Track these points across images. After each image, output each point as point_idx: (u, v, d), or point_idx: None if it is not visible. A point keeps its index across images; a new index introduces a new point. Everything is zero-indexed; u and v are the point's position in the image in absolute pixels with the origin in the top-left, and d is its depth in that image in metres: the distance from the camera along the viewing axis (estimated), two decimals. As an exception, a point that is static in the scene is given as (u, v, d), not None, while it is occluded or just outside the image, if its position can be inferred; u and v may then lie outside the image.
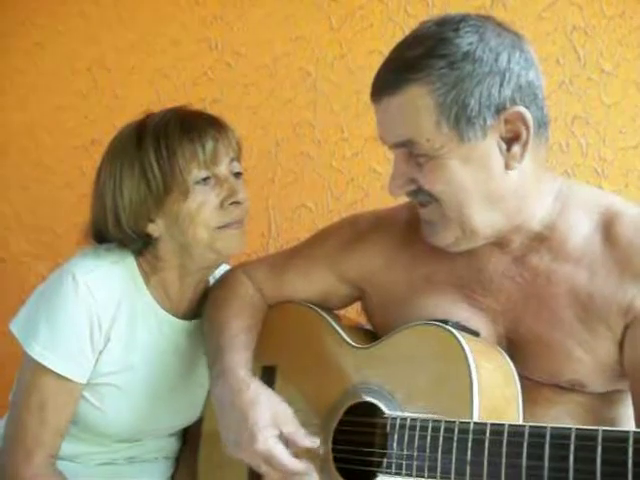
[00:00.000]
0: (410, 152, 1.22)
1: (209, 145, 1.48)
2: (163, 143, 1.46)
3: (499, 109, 1.18)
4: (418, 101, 1.18)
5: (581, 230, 1.26)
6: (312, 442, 1.29)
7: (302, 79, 2.07)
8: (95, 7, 2.39)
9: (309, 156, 2.06)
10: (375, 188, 1.94)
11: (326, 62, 2.03)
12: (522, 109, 1.19)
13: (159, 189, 1.46)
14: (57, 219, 2.39)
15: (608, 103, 1.75)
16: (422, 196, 1.26)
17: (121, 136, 1.53)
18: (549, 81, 1.76)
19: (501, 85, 1.17)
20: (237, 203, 1.50)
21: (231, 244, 1.51)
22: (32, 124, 2.50)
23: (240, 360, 1.39)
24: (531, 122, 1.19)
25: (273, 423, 1.26)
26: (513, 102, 1.18)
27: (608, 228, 1.25)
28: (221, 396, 1.35)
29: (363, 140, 1.98)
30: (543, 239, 1.28)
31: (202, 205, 1.47)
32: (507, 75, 1.18)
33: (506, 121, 1.19)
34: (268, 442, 1.24)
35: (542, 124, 1.23)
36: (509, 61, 1.18)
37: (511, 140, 1.20)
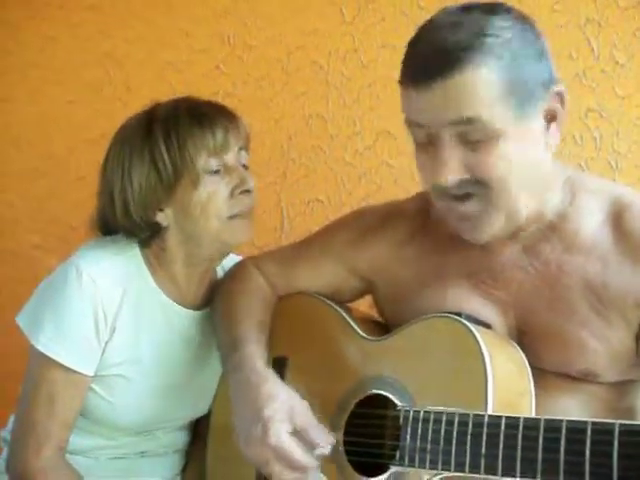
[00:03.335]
0: (464, 137, 1.18)
1: (219, 133, 1.48)
2: (173, 131, 1.46)
3: (546, 87, 1.19)
4: (482, 81, 1.14)
5: (592, 221, 1.26)
6: (329, 440, 1.27)
7: (314, 73, 2.06)
8: (106, 0, 2.39)
9: (321, 150, 2.06)
10: (388, 182, 1.93)
11: (338, 55, 2.03)
12: (562, 87, 1.20)
13: (169, 177, 1.46)
14: (69, 212, 2.39)
15: (622, 95, 1.74)
16: (471, 186, 1.21)
17: (129, 125, 1.53)
18: (562, 74, 1.74)
19: (545, 63, 1.19)
20: (247, 192, 1.50)
21: (238, 235, 1.52)
22: (44, 117, 2.50)
23: (256, 352, 1.38)
24: (567, 102, 1.20)
25: (288, 418, 1.23)
26: (555, 80, 1.20)
27: (619, 219, 1.25)
28: (237, 389, 1.33)
29: (375, 134, 1.98)
30: (554, 228, 1.28)
31: (213, 195, 1.47)
32: (545, 55, 1.20)
33: (550, 99, 1.20)
34: (280, 436, 1.20)
35: None
36: (542, 42, 1.20)
37: (550, 119, 1.21)
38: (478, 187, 1.20)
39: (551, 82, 1.20)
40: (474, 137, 1.17)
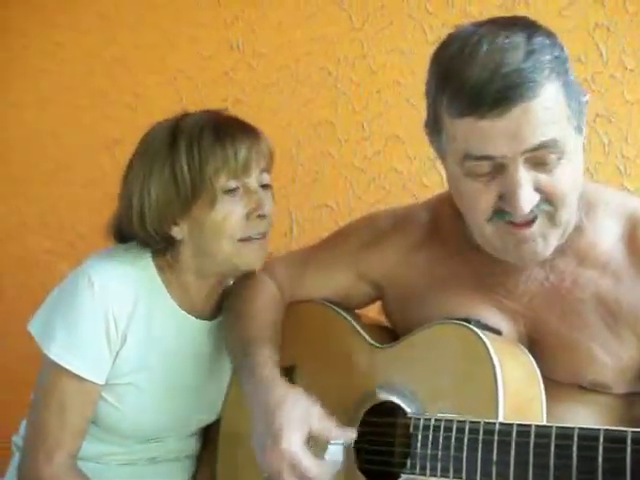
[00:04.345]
0: (537, 160, 1.14)
1: (242, 154, 1.47)
2: (196, 147, 1.45)
3: (583, 99, 1.20)
4: (553, 101, 1.13)
5: (608, 236, 1.26)
6: (349, 436, 1.27)
7: (323, 79, 2.07)
8: (115, 7, 2.40)
9: (330, 155, 2.06)
10: (396, 187, 1.93)
11: (347, 61, 2.03)
12: (588, 98, 1.21)
13: (187, 193, 1.46)
14: (78, 218, 2.41)
15: (631, 101, 1.74)
16: (543, 205, 1.17)
17: (155, 133, 1.52)
18: (571, 79, 1.76)
19: (574, 75, 1.19)
20: (263, 216, 1.49)
21: (251, 260, 1.51)
22: (53, 123, 2.52)
23: (269, 355, 1.37)
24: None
25: (300, 424, 1.22)
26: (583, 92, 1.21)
27: (633, 235, 1.25)
28: (250, 395, 1.33)
29: (384, 139, 1.98)
30: (570, 242, 1.27)
31: (228, 216, 1.46)
32: (571, 66, 1.19)
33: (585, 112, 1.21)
34: (292, 443, 1.19)
35: None
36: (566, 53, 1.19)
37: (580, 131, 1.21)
38: (545, 207, 1.18)
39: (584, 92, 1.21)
40: (548, 160, 1.14)
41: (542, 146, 1.13)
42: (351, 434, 1.28)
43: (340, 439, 1.26)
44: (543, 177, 1.15)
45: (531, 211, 1.16)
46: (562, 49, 1.17)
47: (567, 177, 1.16)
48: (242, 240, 1.48)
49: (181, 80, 2.28)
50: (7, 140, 2.62)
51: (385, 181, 1.98)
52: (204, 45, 2.25)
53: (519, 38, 1.13)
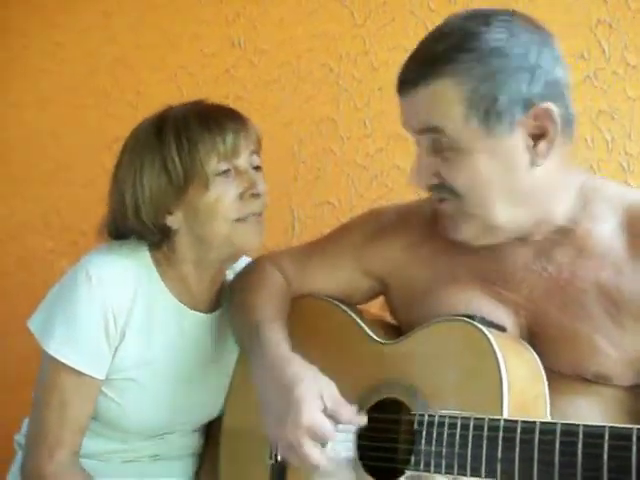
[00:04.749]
0: (436, 145, 1.23)
1: (229, 137, 1.48)
2: (184, 135, 1.47)
3: (527, 105, 1.18)
4: (447, 94, 1.19)
5: (605, 226, 1.26)
6: (360, 420, 1.28)
7: (325, 75, 2.07)
8: (116, 5, 2.40)
9: (332, 152, 2.06)
10: (399, 184, 1.93)
11: (349, 58, 2.03)
12: (550, 105, 1.19)
13: (179, 181, 1.46)
14: (80, 217, 2.40)
15: (634, 97, 1.73)
16: (443, 191, 1.26)
17: (140, 129, 1.54)
18: (573, 76, 1.74)
19: (530, 81, 1.18)
20: (257, 195, 1.50)
21: (249, 239, 1.51)
22: (54, 123, 2.52)
23: (280, 337, 1.36)
24: (558, 119, 1.19)
25: (319, 398, 1.22)
26: (541, 98, 1.19)
27: (633, 224, 1.24)
28: (262, 374, 1.31)
29: (386, 136, 1.98)
30: (567, 233, 1.28)
31: (222, 197, 1.47)
32: (536, 71, 1.18)
33: (534, 117, 1.19)
34: (314, 415, 1.20)
35: (568, 121, 1.23)
36: (538, 57, 1.19)
37: (538, 136, 1.20)
38: (449, 193, 1.25)
39: (538, 98, 1.19)
40: (443, 146, 1.22)
41: (429, 130, 1.22)
42: (363, 418, 1.29)
43: (352, 422, 1.27)
44: (441, 165, 1.24)
45: (436, 192, 1.28)
46: (511, 51, 1.17)
47: (465, 171, 1.21)
48: (238, 220, 1.48)
49: (182, 78, 2.28)
50: (7, 140, 2.62)
51: (387, 178, 1.98)
52: (205, 42, 2.25)
53: (458, 30, 1.20)
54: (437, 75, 1.19)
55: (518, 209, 1.25)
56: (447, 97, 1.19)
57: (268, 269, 1.57)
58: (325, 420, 1.21)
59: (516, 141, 1.20)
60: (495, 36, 1.18)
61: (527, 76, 1.18)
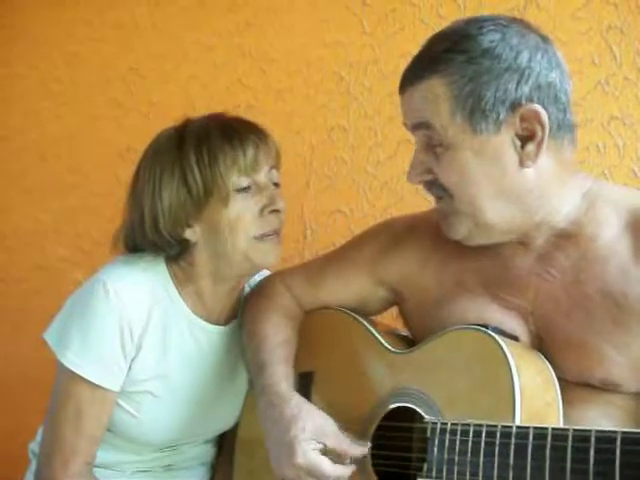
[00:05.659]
0: (429, 142, 1.26)
1: (250, 151, 1.48)
2: (205, 148, 1.46)
3: (514, 105, 1.20)
4: (437, 91, 1.22)
5: (609, 229, 1.26)
6: (361, 449, 1.30)
7: (335, 84, 2.07)
8: (130, 16, 2.41)
9: (343, 161, 2.06)
10: (409, 191, 1.93)
11: (359, 66, 2.04)
12: (538, 107, 1.20)
13: (199, 194, 1.46)
14: (94, 226, 2.41)
15: (645, 103, 1.73)
16: (436, 188, 1.29)
17: (160, 141, 1.53)
18: (585, 81, 1.75)
19: (519, 82, 1.19)
20: (276, 212, 1.50)
21: (267, 257, 1.51)
22: (68, 132, 2.53)
23: (280, 375, 1.39)
24: (547, 122, 1.20)
25: (314, 437, 1.26)
26: (530, 100, 1.20)
27: (638, 228, 1.24)
28: (264, 413, 1.36)
29: (397, 144, 1.98)
30: (569, 236, 1.27)
31: (242, 213, 1.47)
32: (526, 73, 1.20)
33: (522, 118, 1.20)
34: (308, 454, 1.24)
35: (563, 126, 1.24)
36: (530, 60, 1.20)
37: (526, 138, 1.22)
38: (442, 191, 1.28)
39: (526, 99, 1.20)
40: (434, 143, 1.25)
41: (418, 126, 1.27)
42: (364, 448, 1.31)
43: (353, 455, 1.29)
44: (433, 161, 1.27)
45: (431, 189, 1.31)
46: (501, 54, 1.19)
47: (453, 168, 1.24)
48: (257, 238, 1.48)
49: (194, 87, 2.28)
50: (23, 149, 2.63)
51: (398, 186, 1.98)
52: (216, 52, 2.26)
53: (455, 33, 1.24)
54: (431, 73, 1.23)
55: (509, 209, 1.25)
56: (436, 94, 1.22)
57: (278, 290, 1.58)
58: (320, 460, 1.25)
59: (503, 141, 1.22)
60: (488, 38, 1.20)
61: (516, 77, 1.19)
